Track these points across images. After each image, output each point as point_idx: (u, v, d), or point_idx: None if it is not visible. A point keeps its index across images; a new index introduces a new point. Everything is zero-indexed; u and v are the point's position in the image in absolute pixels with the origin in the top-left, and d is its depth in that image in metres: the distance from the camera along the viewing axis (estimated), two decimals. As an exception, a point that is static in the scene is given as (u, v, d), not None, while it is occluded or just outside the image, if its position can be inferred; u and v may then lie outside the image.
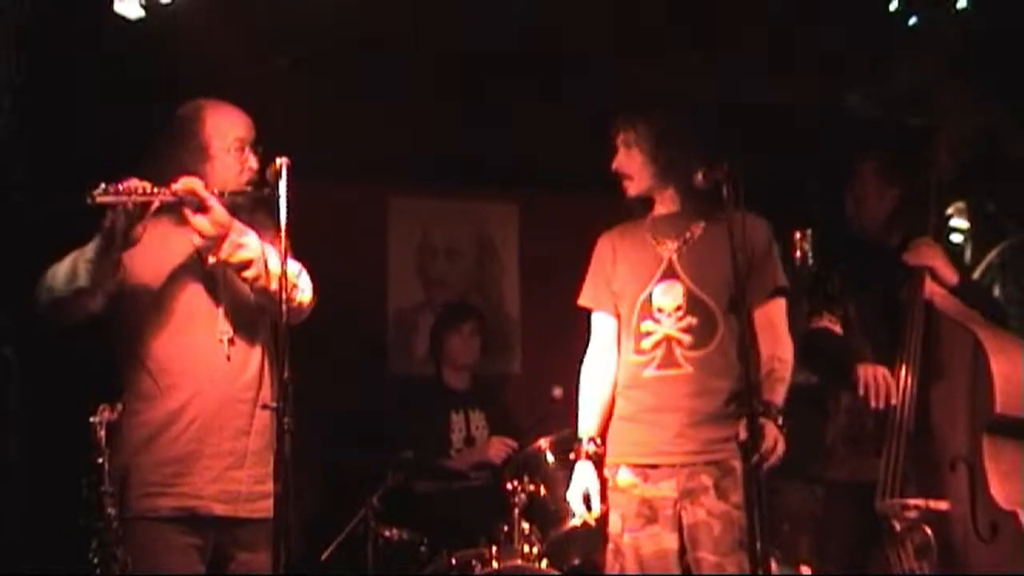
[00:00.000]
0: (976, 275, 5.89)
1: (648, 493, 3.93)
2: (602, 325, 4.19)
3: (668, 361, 3.97)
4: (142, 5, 4.45)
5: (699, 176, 3.90)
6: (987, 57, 4.83)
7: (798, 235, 6.19)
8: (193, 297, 3.70)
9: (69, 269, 3.51)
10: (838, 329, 4.43)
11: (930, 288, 4.33)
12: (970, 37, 4.78)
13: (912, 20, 4.84)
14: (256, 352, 3.75)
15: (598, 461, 4.09)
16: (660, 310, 4.00)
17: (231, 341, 3.70)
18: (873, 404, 4.15)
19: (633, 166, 4.11)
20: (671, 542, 3.89)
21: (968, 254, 6.09)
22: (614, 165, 4.15)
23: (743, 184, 3.67)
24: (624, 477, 4.01)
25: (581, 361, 4.20)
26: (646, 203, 4.18)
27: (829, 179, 4.75)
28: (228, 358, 3.68)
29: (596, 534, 4.57)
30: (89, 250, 3.50)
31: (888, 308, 4.37)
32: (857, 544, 4.25)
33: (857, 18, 4.89)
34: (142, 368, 3.62)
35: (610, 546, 4.01)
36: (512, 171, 6.52)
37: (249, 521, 3.64)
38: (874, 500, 4.15)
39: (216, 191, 3.58)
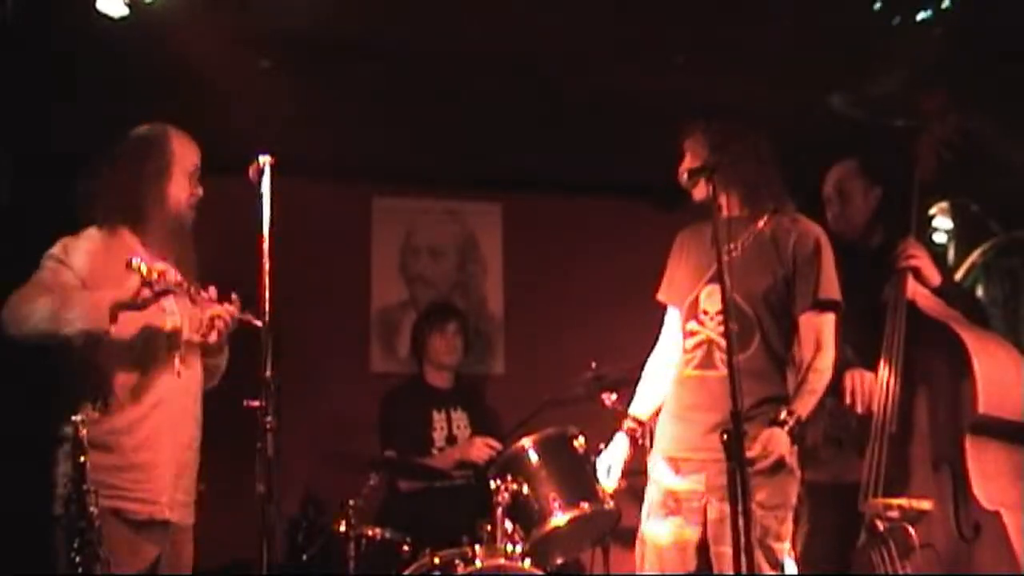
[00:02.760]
0: (959, 275, 5.90)
1: (675, 486, 4.05)
2: (671, 319, 4.32)
3: (706, 362, 4.07)
4: (126, 3, 4.44)
5: (684, 175, 3.98)
6: (971, 57, 4.83)
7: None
8: (150, 315, 3.68)
9: (55, 312, 3.45)
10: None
11: (913, 288, 4.33)
12: (954, 37, 4.78)
13: (895, 20, 4.84)
14: (198, 370, 3.83)
15: (634, 440, 4.30)
16: (705, 312, 4.11)
17: (182, 359, 3.75)
18: (860, 411, 4.22)
19: None
20: (692, 534, 4.00)
21: (951, 254, 6.11)
22: (680, 169, 4.16)
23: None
24: (657, 468, 4.14)
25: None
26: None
27: (809, 180, 4.74)
28: (179, 374, 3.73)
29: (579, 532, 4.59)
30: (90, 306, 3.45)
31: (871, 309, 4.37)
32: (840, 545, 4.26)
33: (839, 18, 4.89)
34: (103, 379, 3.61)
35: (638, 534, 4.15)
36: (495, 172, 6.52)
37: (180, 527, 3.73)
38: (857, 501, 4.16)
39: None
